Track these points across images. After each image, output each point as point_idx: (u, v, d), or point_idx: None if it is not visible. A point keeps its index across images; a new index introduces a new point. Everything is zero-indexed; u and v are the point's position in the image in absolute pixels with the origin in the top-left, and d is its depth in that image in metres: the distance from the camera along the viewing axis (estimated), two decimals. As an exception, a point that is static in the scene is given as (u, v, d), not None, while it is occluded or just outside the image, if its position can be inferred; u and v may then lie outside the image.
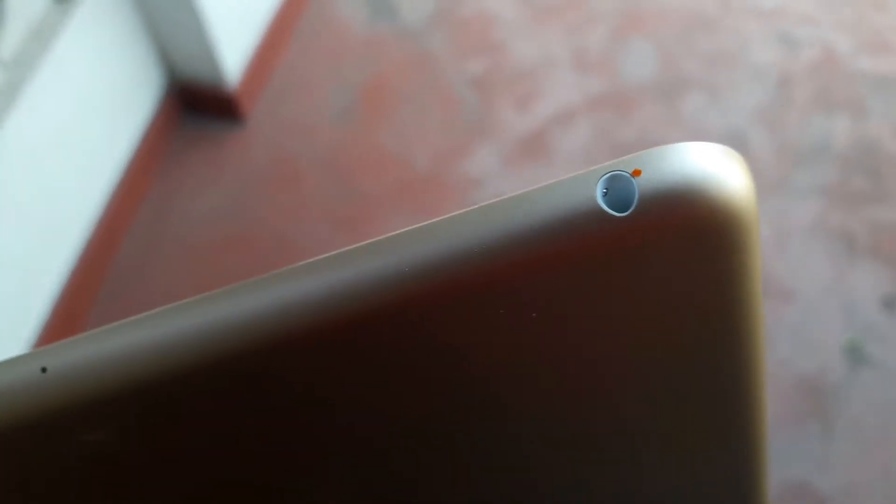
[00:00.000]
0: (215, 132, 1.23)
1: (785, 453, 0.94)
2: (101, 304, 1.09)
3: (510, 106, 1.24)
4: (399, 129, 1.23)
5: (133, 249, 1.14)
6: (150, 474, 0.17)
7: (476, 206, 0.14)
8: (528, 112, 1.23)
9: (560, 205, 0.14)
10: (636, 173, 0.14)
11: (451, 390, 0.17)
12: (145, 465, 0.16)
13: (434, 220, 0.14)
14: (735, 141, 1.18)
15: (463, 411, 0.18)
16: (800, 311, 1.03)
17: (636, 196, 0.14)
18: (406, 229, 0.14)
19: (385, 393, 0.16)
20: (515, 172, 1.18)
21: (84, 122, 1.05)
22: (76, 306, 1.06)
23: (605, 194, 0.14)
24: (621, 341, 0.16)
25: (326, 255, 0.14)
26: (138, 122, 1.16)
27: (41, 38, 0.92)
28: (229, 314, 0.14)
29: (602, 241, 0.14)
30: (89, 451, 0.15)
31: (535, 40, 1.32)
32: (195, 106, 1.24)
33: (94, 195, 1.09)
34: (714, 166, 0.14)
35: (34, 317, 1.00)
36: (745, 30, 1.31)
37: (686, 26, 1.31)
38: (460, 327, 0.15)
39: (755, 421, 0.19)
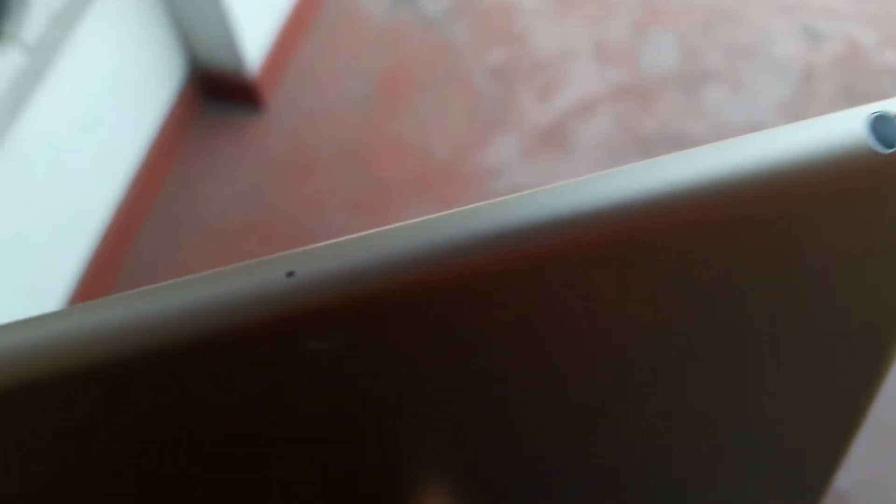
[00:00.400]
0: (235, 119, 1.23)
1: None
2: (120, 289, 1.10)
3: (530, 96, 1.24)
4: (418, 118, 1.23)
5: (152, 236, 1.14)
6: (357, 393, 0.17)
7: (726, 141, 0.15)
8: (548, 103, 1.23)
9: (828, 139, 0.15)
10: None
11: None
12: (357, 382, 0.16)
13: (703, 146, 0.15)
14: (757, 134, 1.17)
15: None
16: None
17: None
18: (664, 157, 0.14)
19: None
20: (535, 163, 1.17)
21: (105, 107, 1.05)
22: (95, 291, 1.07)
23: (870, 132, 0.15)
24: (829, 280, 0.16)
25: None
26: (159, 108, 1.16)
27: (64, 22, 0.92)
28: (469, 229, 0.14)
29: (867, 177, 0.14)
30: (311, 360, 0.15)
31: (556, 31, 1.31)
32: (216, 93, 1.24)
33: (114, 181, 1.09)
34: None
35: (53, 301, 1.01)
36: (767, 23, 1.30)
37: (708, 18, 1.30)
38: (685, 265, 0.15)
39: (870, 395, 0.19)
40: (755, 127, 1.18)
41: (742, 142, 0.14)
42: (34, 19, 0.88)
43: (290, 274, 0.14)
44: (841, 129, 0.15)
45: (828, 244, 0.15)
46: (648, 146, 1.17)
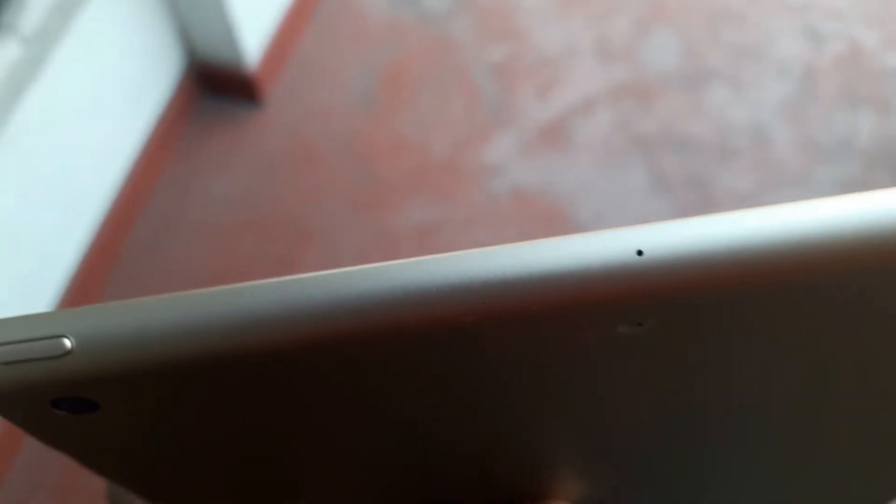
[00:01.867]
0: (234, 113, 1.23)
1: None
2: (116, 281, 1.09)
3: (531, 94, 1.23)
4: (418, 114, 1.22)
5: (149, 228, 1.14)
6: (618, 381, 0.16)
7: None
8: (548, 100, 1.22)
9: None
10: None
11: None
12: (629, 370, 0.16)
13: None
14: (758, 135, 1.17)
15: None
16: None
17: None
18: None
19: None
20: (534, 161, 1.17)
21: (103, 99, 1.04)
22: (91, 283, 1.06)
23: None
24: None
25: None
26: (157, 100, 1.15)
27: (63, 13, 0.92)
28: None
29: None
30: (611, 347, 0.14)
31: (557, 28, 1.30)
32: (214, 86, 1.23)
33: (112, 173, 1.09)
34: None
35: (50, 292, 1.00)
36: (770, 23, 1.29)
37: (711, 18, 1.30)
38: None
39: None
40: (757, 127, 1.18)
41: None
42: (32, 10, 0.88)
43: (639, 252, 0.13)
44: None
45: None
46: (649, 145, 1.16)
